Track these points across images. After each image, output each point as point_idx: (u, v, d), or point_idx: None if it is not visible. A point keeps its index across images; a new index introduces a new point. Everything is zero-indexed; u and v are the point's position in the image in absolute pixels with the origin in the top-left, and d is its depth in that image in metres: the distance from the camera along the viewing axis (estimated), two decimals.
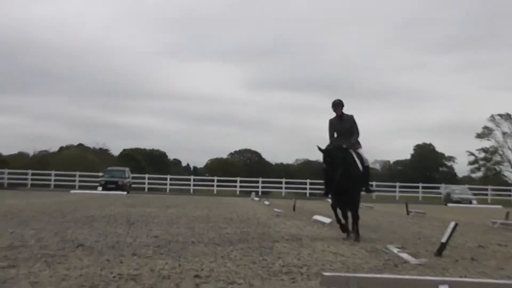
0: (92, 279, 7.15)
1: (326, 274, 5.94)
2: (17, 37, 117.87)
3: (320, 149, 13.62)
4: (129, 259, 9.03)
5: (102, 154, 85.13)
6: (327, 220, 17.53)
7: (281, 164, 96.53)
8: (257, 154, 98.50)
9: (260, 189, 66.88)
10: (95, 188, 55.86)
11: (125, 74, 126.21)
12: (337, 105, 14.27)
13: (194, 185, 71.17)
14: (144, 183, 68.55)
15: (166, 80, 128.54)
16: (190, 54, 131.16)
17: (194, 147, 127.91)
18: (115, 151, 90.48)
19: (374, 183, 71.13)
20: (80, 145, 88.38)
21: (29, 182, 64.03)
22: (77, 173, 65.30)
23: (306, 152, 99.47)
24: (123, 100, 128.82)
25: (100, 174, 61.13)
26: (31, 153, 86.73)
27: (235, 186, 70.65)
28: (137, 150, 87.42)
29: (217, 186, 70.47)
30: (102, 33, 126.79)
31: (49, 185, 63.46)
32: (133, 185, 61.64)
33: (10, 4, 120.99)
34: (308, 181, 69.36)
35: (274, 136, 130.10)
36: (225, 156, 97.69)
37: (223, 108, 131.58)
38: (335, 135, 14.41)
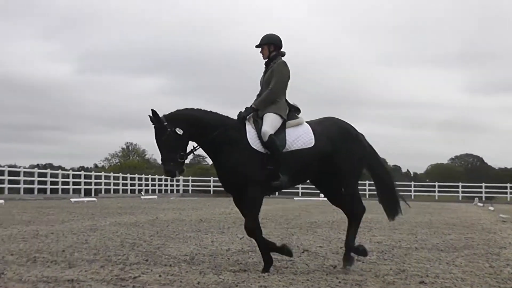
0: (318, 283, 7.22)
1: None
2: (241, 52, 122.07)
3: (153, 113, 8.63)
4: (353, 264, 9.02)
5: None
6: None
7: (505, 168, 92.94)
8: (478, 159, 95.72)
9: (483, 194, 64.57)
10: (317, 195, 56.60)
11: (343, 82, 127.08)
12: (261, 43, 9.26)
13: (414, 191, 70.07)
14: (364, 190, 68.37)
15: (383, 87, 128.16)
16: (407, 60, 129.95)
17: (414, 153, 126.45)
18: None
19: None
20: None
21: None
22: None
23: None
24: (340, 107, 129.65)
25: None
26: None
27: (457, 192, 68.76)
28: None
29: (438, 191, 68.94)
30: (326, 44, 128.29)
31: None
32: None
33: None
34: None
35: (498, 140, 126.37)
36: (445, 161, 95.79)
37: (443, 113, 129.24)
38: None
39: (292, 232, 14.56)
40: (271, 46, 9.10)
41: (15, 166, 50.24)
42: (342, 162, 8.90)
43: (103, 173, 58.69)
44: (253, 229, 8.68)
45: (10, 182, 44.39)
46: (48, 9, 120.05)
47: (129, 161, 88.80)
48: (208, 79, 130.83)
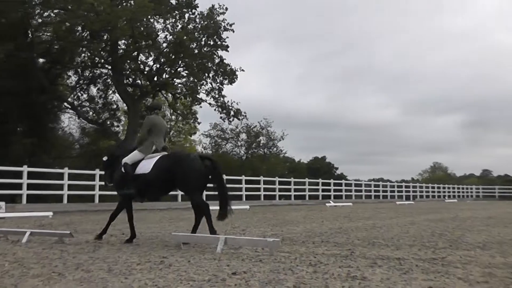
0: None
1: None
2: None
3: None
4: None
5: None
6: None
7: None
8: None
9: None
10: None
11: None
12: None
13: None
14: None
15: None
16: None
17: None
18: None
19: None
20: None
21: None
22: None
23: None
24: None
25: None
26: None
27: None
28: None
29: None
30: None
31: None
32: None
33: None
34: None
35: None
36: None
37: None
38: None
39: None
40: (150, 108, 10.11)
41: (359, 180, 51.43)
42: (180, 183, 9.13)
43: (417, 184, 57.93)
44: (113, 215, 9.67)
45: (356, 191, 45.54)
46: (381, 71, 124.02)
47: (435, 174, 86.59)
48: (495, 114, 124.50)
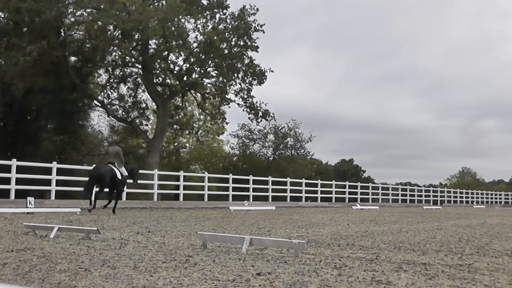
0: None
1: None
2: None
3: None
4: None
5: None
6: None
7: None
8: None
9: None
10: None
11: None
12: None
13: None
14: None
15: None
16: None
17: None
18: None
19: None
20: None
21: None
22: None
23: None
24: None
25: None
26: None
27: None
28: None
29: None
30: None
31: None
32: None
33: None
34: None
35: None
36: None
37: None
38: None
39: None
40: (110, 144, 14.42)
41: (386, 184, 51.03)
42: None
43: (445, 189, 57.23)
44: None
45: (383, 194, 45.19)
46: (422, 75, 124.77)
47: (464, 180, 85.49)
48: None
